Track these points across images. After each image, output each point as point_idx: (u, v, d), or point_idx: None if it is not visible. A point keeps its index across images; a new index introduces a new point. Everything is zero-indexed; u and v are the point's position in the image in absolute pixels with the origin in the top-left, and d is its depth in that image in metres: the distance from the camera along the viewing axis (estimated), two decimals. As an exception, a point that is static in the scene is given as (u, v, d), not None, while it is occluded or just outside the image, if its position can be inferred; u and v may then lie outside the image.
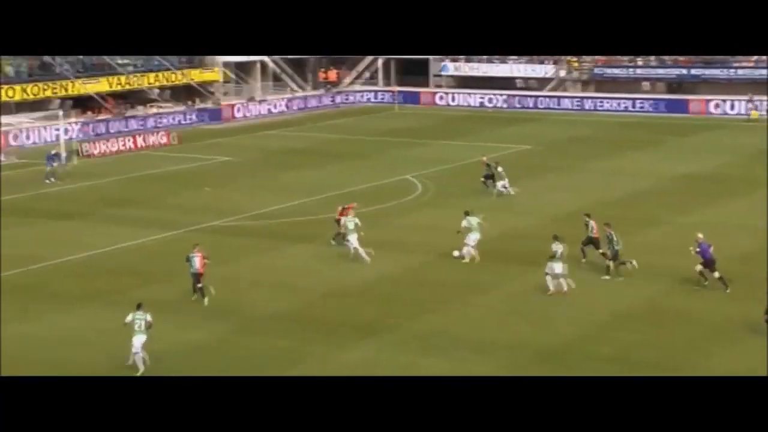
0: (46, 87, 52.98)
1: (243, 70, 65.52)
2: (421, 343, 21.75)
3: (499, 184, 36.39)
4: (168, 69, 59.84)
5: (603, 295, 25.23)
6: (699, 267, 25.19)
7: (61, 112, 47.52)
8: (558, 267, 24.94)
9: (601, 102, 62.59)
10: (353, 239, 28.12)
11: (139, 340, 20.49)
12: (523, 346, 21.47)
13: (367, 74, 71.25)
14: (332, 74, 70.37)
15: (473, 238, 28.08)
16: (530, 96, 64.47)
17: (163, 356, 20.86)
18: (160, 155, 47.35)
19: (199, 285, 24.64)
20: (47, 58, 54.96)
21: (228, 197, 37.13)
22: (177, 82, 60.21)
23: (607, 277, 26.24)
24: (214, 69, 62.79)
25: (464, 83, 68.13)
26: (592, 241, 27.30)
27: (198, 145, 49.89)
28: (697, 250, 25.21)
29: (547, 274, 25.03)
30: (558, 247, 25.50)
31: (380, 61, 70.20)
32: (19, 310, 24.12)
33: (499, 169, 36.74)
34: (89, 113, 53.38)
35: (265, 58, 66.57)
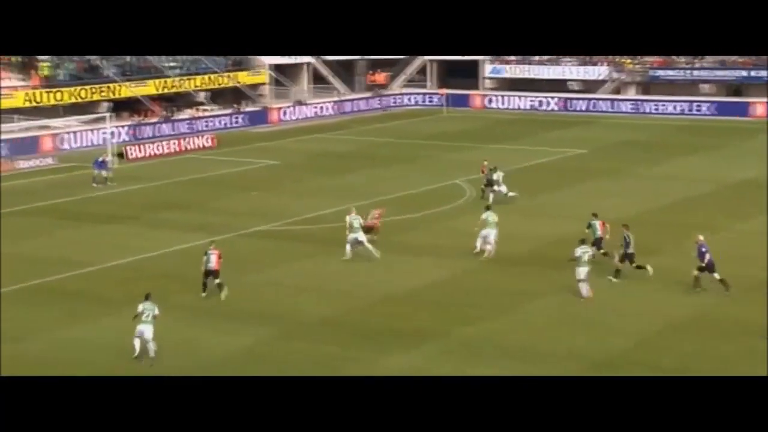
0: (94, 90, 53.97)
1: (290, 72, 66.09)
2: (468, 352, 21.83)
3: (497, 188, 35.87)
4: (215, 72, 60.60)
5: (654, 303, 25.09)
6: (696, 272, 25.33)
7: (108, 115, 48.35)
8: (583, 271, 25.24)
9: (657, 105, 62.10)
10: (353, 238, 28.75)
11: (148, 330, 21.45)
12: (576, 356, 21.43)
13: (416, 77, 71.48)
14: (381, 77, 70.70)
15: (493, 234, 28.91)
16: (583, 99, 64.15)
17: (208, 361, 21.19)
18: (206, 159, 47.99)
19: (217, 281, 25.77)
20: (95, 61, 56.02)
21: (274, 201, 37.55)
22: (224, 85, 60.95)
23: (614, 280, 26.33)
24: (261, 72, 63.45)
25: (515, 86, 68.02)
26: (596, 242, 27.66)
27: (244, 149, 50.49)
28: (703, 250, 25.29)
29: (579, 280, 25.28)
30: (583, 251, 25.60)
31: (429, 63, 70.37)
32: (67, 315, 24.68)
33: (495, 176, 36.14)
34: (136, 116, 54.28)
35: (313, 60, 67.10)
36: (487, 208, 30.52)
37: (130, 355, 21.51)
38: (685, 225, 31.89)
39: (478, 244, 29.30)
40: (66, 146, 49.05)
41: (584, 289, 25.22)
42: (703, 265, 25.28)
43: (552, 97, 64.54)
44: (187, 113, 56.80)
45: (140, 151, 48.35)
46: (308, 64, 67.04)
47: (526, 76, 67.53)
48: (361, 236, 29.06)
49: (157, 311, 21.71)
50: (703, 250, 25.35)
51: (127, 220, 34.82)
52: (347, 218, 29.44)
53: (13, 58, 53.62)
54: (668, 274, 26.57)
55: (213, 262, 26.00)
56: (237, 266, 28.95)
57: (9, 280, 27.39)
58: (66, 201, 38.03)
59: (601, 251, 27.13)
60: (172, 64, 59.99)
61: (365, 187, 39.52)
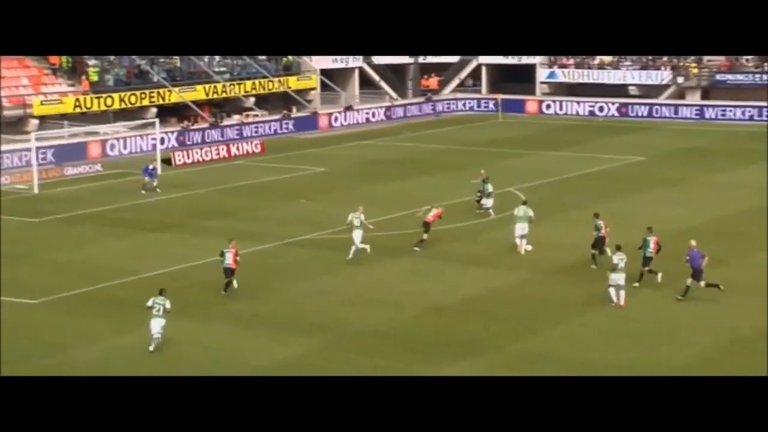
0: (143, 95, 54.72)
1: (340, 77, 66.45)
2: (524, 365, 21.76)
3: (486, 202, 35.86)
4: (264, 77, 61.17)
5: (713, 315, 24.79)
6: (690, 280, 25.48)
7: (157, 121, 49.03)
8: (619, 278, 25.33)
9: (723, 110, 61.28)
10: (357, 236, 29.57)
11: (157, 324, 22.72)
12: (633, 371, 21.25)
13: (470, 81, 71.42)
14: (433, 81, 70.77)
15: (526, 228, 30.20)
16: (645, 104, 63.59)
17: (254, 372, 21.39)
18: (254, 165, 48.44)
19: (227, 279, 26.71)
20: (145, 66, 56.85)
21: (323, 209, 37.79)
22: (273, 90, 61.50)
23: (636, 284, 26.49)
24: (311, 76, 63.88)
25: (572, 90, 67.64)
26: (599, 242, 28.58)
27: (292, 155, 50.88)
28: (686, 258, 25.61)
29: (610, 286, 25.41)
30: (619, 258, 25.60)
31: (484, 67, 70.30)
32: (114, 323, 25.08)
33: (486, 187, 36.06)
34: (184, 122, 54.95)
35: (363, 65, 67.40)
36: (524, 203, 31.29)
37: (176, 362, 21.82)
38: (751, 235, 31.45)
39: (518, 242, 30.40)
40: (114, 153, 49.77)
41: (615, 294, 25.46)
42: (693, 271, 25.61)
43: (611, 102, 64.06)
44: (236, 119, 57.38)
45: (187, 157, 48.93)
46: (358, 68, 67.33)
47: (585, 80, 67.11)
48: (358, 237, 29.75)
49: (168, 305, 22.82)
50: (694, 255, 25.65)
51: (173, 227, 35.29)
52: (350, 216, 30.28)
53: (64, 64, 54.56)
54: (734, 286, 26.23)
55: (229, 260, 26.85)
56: (285, 275, 29.22)
57: (55, 288, 27.94)
58: (112, 208, 38.64)
59: (647, 269, 27.01)
60: (221, 68, 60.63)
61: (416, 195, 39.57)
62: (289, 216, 36.70)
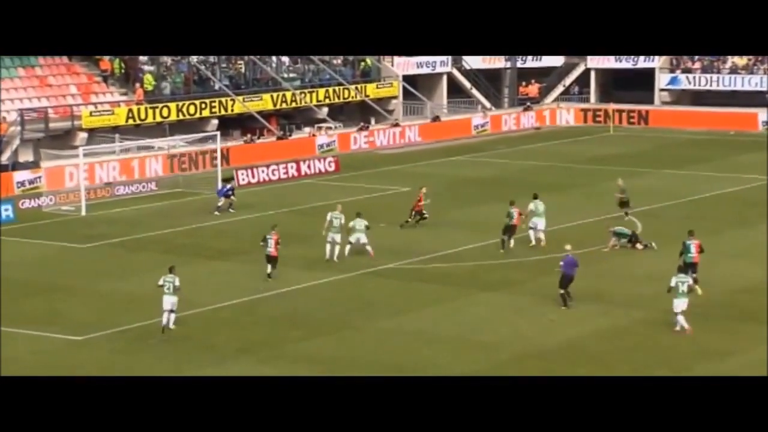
0: (203, 105, 55.71)
1: (425, 84, 66.89)
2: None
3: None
4: (340, 84, 61.80)
5: None
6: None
7: (218, 134, 49.87)
8: (682, 303, 26.26)
9: None
10: (332, 237, 33.70)
11: (169, 300, 27.23)
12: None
13: (576, 89, 71.26)
14: (533, 89, 70.85)
15: (541, 224, 35.16)
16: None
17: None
18: (328, 184, 49.03)
19: (272, 268, 31.24)
20: (205, 72, 57.93)
21: (408, 235, 38.14)
22: (349, 99, 62.14)
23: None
24: (393, 83, 64.40)
25: (698, 99, 66.97)
26: (510, 230, 34.68)
27: (370, 173, 51.36)
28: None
29: (676, 313, 26.40)
30: (679, 280, 26.20)
31: (593, 72, 70.09)
32: (172, 364, 25.52)
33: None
34: (248, 135, 55.80)
35: (453, 70, 67.76)
36: (535, 197, 35.62)
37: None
38: None
39: (532, 236, 35.16)
40: (171, 170, 50.49)
41: (684, 322, 26.40)
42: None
43: (746, 113, 63.19)
44: (306, 131, 58.10)
45: (252, 175, 49.71)
46: (446, 74, 67.68)
47: (713, 87, 66.39)
48: (339, 238, 33.90)
49: (177, 283, 27.20)
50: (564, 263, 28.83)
51: (238, 254, 35.96)
52: (329, 215, 34.06)
53: (116, 70, 55.79)
54: None
55: (271, 246, 31.23)
56: (364, 310, 29.63)
57: (104, 323, 28.63)
58: (168, 233, 39.49)
59: (694, 276, 28.47)
60: (291, 75, 61.37)
61: (514, 219, 39.62)
62: (370, 242, 37.04)
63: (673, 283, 26.68)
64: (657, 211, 41.20)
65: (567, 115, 67.54)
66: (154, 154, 50.58)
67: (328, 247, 34.13)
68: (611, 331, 27.33)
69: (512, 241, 34.89)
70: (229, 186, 43.34)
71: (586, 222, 39.63)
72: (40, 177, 46.56)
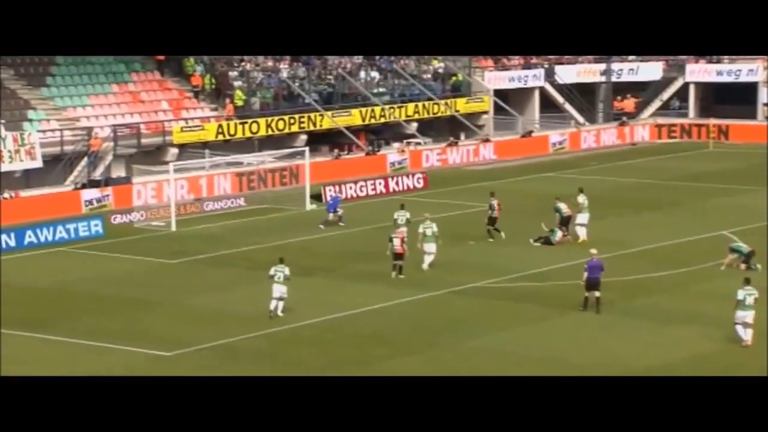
0: (292, 121, 56.42)
1: (516, 99, 66.88)
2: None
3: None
4: (429, 99, 62.16)
5: None
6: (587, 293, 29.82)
7: (307, 150, 50.47)
8: (746, 316, 26.30)
9: None
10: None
11: (278, 289, 29.95)
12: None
13: (675, 103, 70.55)
14: (629, 103, 70.33)
15: (586, 218, 37.92)
16: None
17: None
18: (417, 201, 49.25)
19: (395, 262, 33.80)
20: (294, 88, 58.69)
21: (495, 252, 38.20)
22: (439, 114, 62.42)
23: None
24: (483, 98, 64.53)
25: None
26: (491, 221, 38.74)
27: (460, 189, 51.48)
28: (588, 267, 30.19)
29: (736, 323, 26.42)
30: (747, 293, 26.07)
31: (692, 86, 69.32)
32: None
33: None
34: (336, 150, 56.36)
35: (546, 84, 67.66)
36: (580, 191, 39.17)
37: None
38: None
39: (581, 233, 37.93)
40: (258, 186, 51.29)
41: (743, 332, 26.49)
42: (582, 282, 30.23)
43: None
44: (395, 147, 58.48)
45: (340, 191, 50.18)
46: (539, 88, 67.60)
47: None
48: (433, 248, 35.46)
49: (287, 272, 29.94)
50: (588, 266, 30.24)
51: (324, 271, 36.35)
52: (420, 227, 35.94)
53: (207, 85, 56.89)
54: None
55: (396, 245, 33.85)
56: (452, 329, 29.79)
57: (194, 339, 29.16)
58: (256, 248, 40.07)
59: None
60: (380, 90, 61.85)
61: (606, 238, 39.41)
62: (455, 260, 37.22)
63: (740, 297, 26.74)
64: (759, 230, 40.45)
65: (663, 131, 66.86)
66: (242, 169, 51.36)
67: (425, 258, 35.54)
68: (707, 355, 27.02)
69: (503, 234, 39.02)
70: (337, 199, 44.54)
71: (686, 240, 39.28)
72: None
